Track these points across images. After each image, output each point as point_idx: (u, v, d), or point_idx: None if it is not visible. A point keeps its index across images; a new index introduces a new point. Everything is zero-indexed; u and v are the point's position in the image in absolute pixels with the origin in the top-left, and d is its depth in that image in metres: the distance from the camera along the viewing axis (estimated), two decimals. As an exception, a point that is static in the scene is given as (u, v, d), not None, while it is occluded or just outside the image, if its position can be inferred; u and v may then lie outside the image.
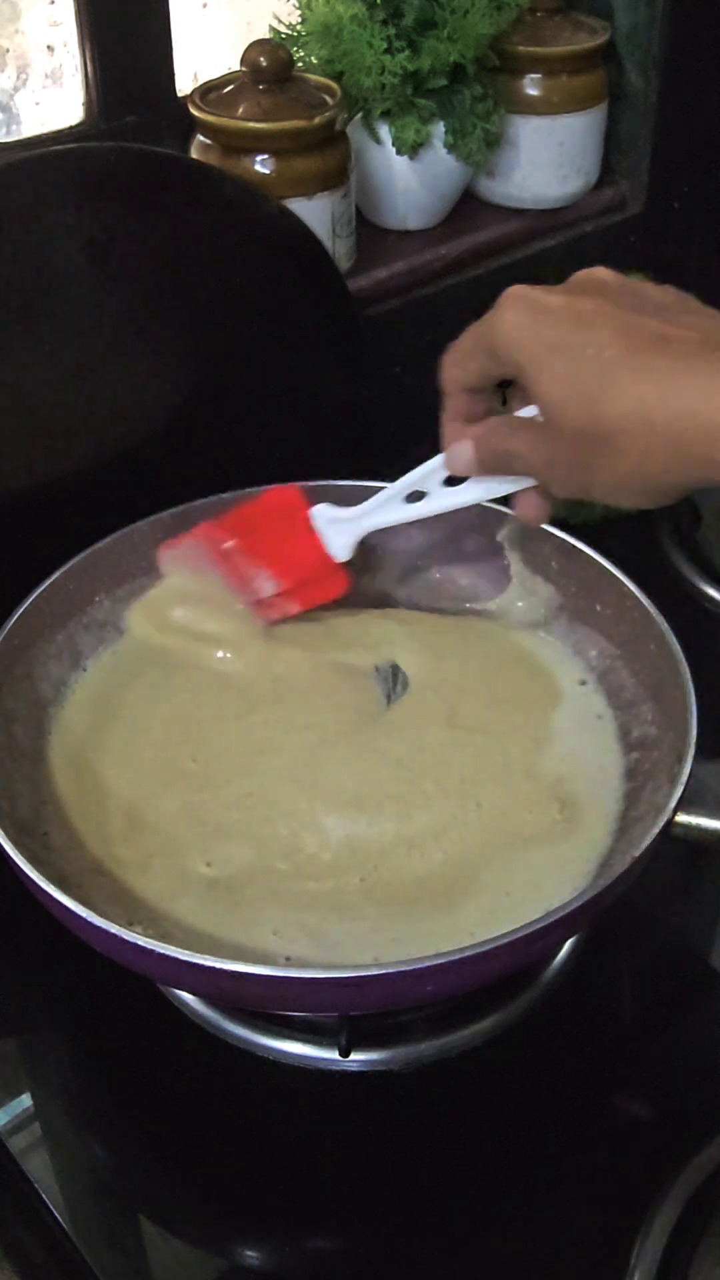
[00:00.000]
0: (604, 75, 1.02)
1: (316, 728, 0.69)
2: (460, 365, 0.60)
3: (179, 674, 0.73)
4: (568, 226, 1.05)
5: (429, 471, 0.65)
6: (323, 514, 0.72)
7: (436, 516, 0.80)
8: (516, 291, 0.56)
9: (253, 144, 0.85)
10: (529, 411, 0.58)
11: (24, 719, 0.69)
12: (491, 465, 0.61)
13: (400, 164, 0.95)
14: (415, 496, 0.67)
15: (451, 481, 0.66)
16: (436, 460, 0.64)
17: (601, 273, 0.56)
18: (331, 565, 0.72)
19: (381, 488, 0.69)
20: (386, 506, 0.69)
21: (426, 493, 0.67)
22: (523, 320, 0.54)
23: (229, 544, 0.72)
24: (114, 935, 0.53)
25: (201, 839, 0.64)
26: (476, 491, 0.64)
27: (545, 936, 0.54)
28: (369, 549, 0.78)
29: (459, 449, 0.61)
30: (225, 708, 0.70)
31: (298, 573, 0.72)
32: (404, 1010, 0.65)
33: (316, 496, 0.79)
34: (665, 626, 0.68)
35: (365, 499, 0.69)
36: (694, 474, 0.51)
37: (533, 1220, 0.61)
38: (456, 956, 0.52)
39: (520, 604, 0.77)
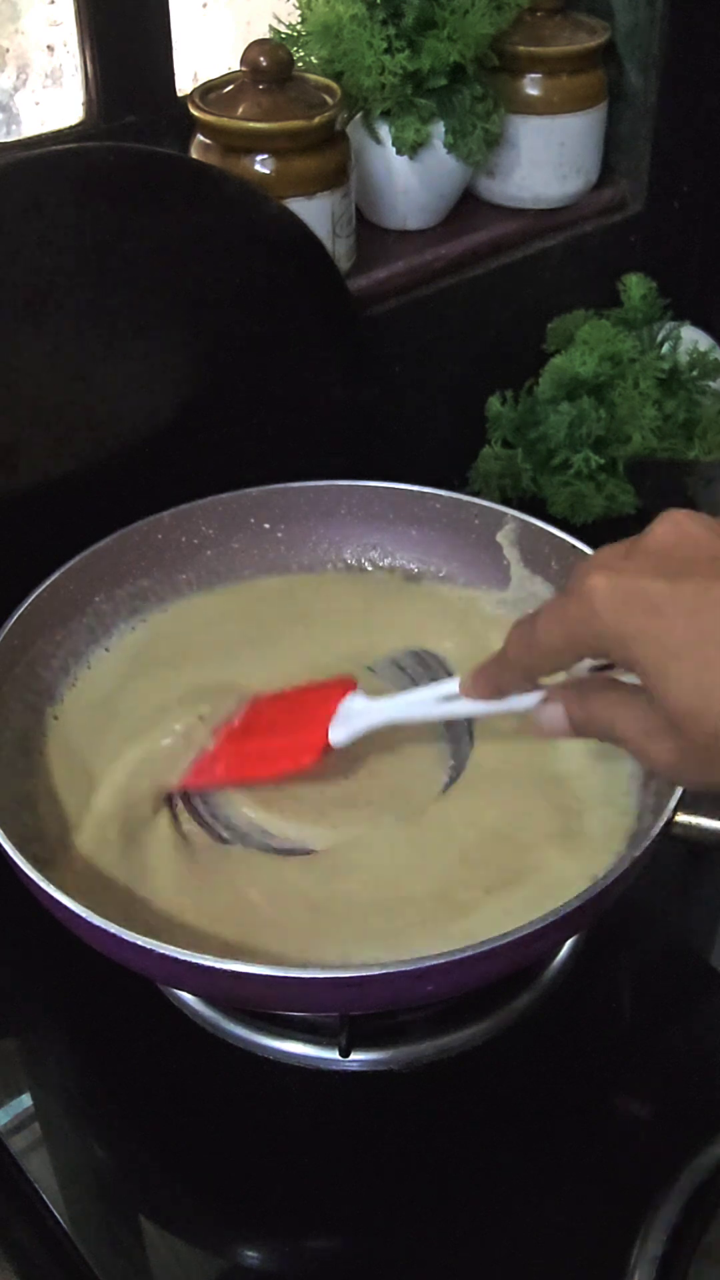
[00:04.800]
0: (604, 75, 1.02)
1: None
2: (546, 659, 0.50)
3: (179, 675, 0.73)
4: (568, 226, 1.05)
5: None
6: (351, 703, 0.63)
7: (435, 520, 0.80)
8: (607, 585, 0.46)
9: (253, 144, 0.85)
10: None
11: (23, 719, 0.69)
12: (587, 732, 0.52)
13: (400, 164, 0.94)
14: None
15: None
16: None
17: (690, 527, 0.47)
18: (319, 744, 0.63)
19: (381, 487, 0.68)
20: (416, 706, 0.61)
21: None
22: (631, 625, 0.45)
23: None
24: (114, 935, 0.53)
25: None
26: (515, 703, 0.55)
27: (545, 936, 0.54)
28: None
29: (550, 713, 0.53)
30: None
31: (285, 756, 0.65)
32: (404, 1010, 0.65)
33: (318, 497, 0.79)
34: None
35: (366, 499, 0.67)
36: None
37: (533, 1220, 0.61)
38: (456, 956, 0.52)
39: (520, 604, 0.77)
